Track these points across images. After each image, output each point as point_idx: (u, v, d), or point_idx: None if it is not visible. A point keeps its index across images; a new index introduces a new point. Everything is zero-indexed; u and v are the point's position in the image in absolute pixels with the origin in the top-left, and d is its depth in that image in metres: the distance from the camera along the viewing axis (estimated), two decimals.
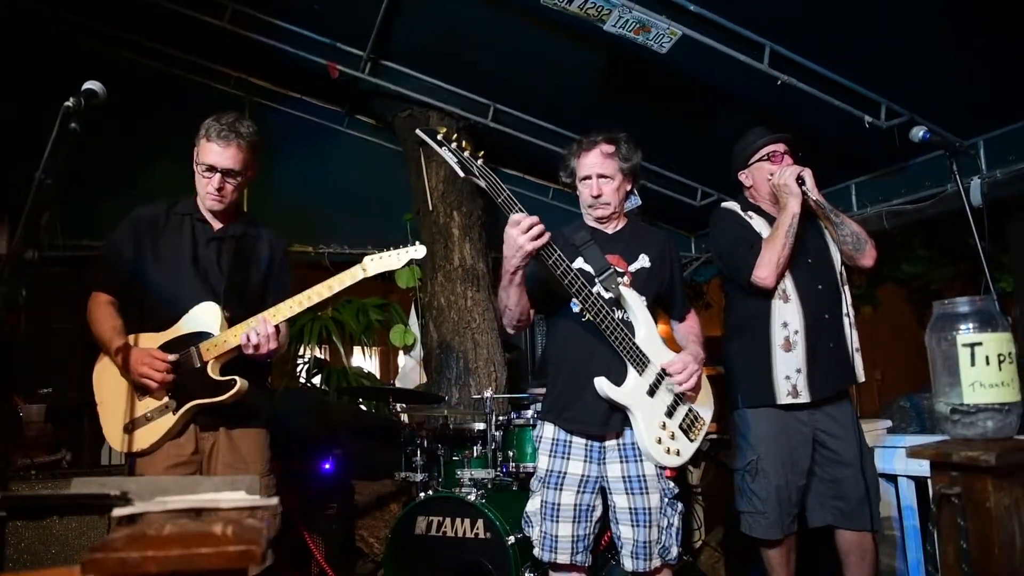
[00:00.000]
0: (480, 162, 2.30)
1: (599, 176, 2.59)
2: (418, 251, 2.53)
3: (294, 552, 3.78)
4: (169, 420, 2.43)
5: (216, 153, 2.47)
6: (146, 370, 2.37)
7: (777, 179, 2.87)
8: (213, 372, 2.45)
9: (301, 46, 4.67)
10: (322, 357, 6.75)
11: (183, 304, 2.49)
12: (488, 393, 3.66)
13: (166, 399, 2.43)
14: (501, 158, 5.91)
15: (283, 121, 5.58)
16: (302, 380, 6.31)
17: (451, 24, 4.33)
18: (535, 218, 2.27)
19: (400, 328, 5.73)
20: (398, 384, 5.84)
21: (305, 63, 4.75)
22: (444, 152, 2.28)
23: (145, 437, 2.42)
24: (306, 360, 6.41)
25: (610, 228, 2.68)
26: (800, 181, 2.84)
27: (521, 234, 2.25)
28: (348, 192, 5.61)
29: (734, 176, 3.15)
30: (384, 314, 6.18)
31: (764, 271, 2.82)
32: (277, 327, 2.45)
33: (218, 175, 2.49)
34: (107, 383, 2.50)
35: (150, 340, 2.48)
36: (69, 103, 1.76)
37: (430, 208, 5.12)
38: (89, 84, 1.92)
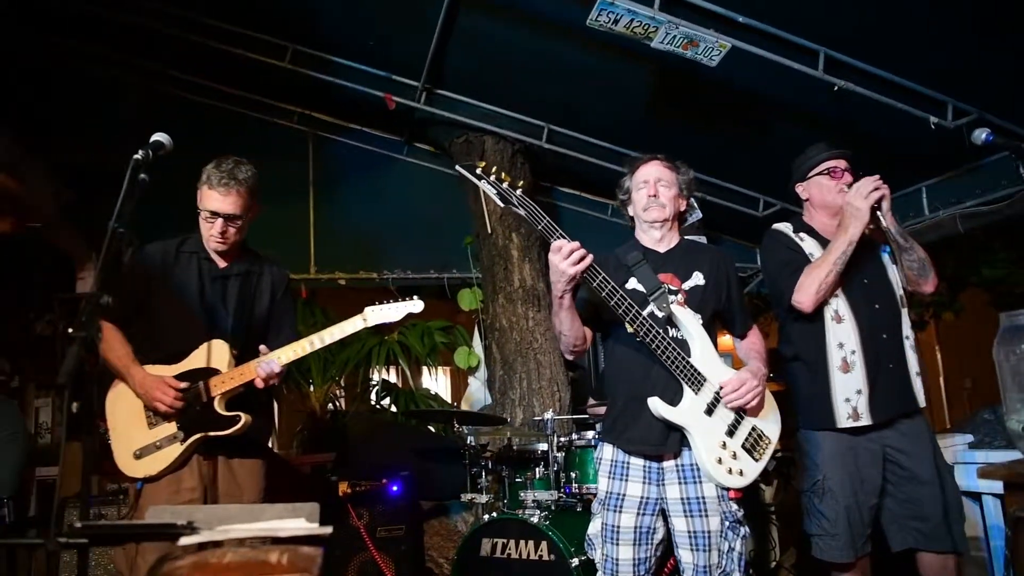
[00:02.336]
0: (519, 192, 2.32)
1: (657, 180, 2.61)
2: (416, 305, 2.70)
3: (366, 572, 3.85)
4: (176, 449, 2.57)
5: (217, 200, 2.60)
6: (158, 395, 2.52)
7: (852, 197, 2.70)
8: (219, 407, 2.59)
9: (359, 80, 4.83)
10: (392, 380, 6.90)
11: (191, 339, 2.63)
12: (549, 414, 3.67)
13: (175, 430, 2.58)
14: (558, 178, 5.96)
15: (345, 152, 5.78)
16: (372, 402, 6.46)
17: (501, 51, 4.41)
18: (575, 244, 2.28)
19: (464, 350, 5.81)
20: (465, 405, 5.92)
21: (363, 96, 4.91)
22: (483, 185, 2.31)
23: (153, 464, 2.56)
24: (375, 383, 6.56)
25: (663, 247, 2.65)
26: (877, 206, 2.70)
27: (562, 260, 2.27)
28: (409, 218, 5.74)
29: (791, 189, 3.10)
30: (449, 336, 6.28)
31: (802, 295, 2.74)
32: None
33: (220, 220, 2.62)
34: (119, 410, 2.64)
35: (160, 372, 2.61)
36: (138, 155, 1.87)
37: (489, 231, 5.19)
38: (157, 136, 2.04)
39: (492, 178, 2.31)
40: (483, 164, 2.33)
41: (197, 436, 2.58)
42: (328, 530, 1.39)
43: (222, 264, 2.75)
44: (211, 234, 2.65)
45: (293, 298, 3.03)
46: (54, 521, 1.26)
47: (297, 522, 1.48)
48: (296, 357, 2.61)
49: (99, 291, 1.50)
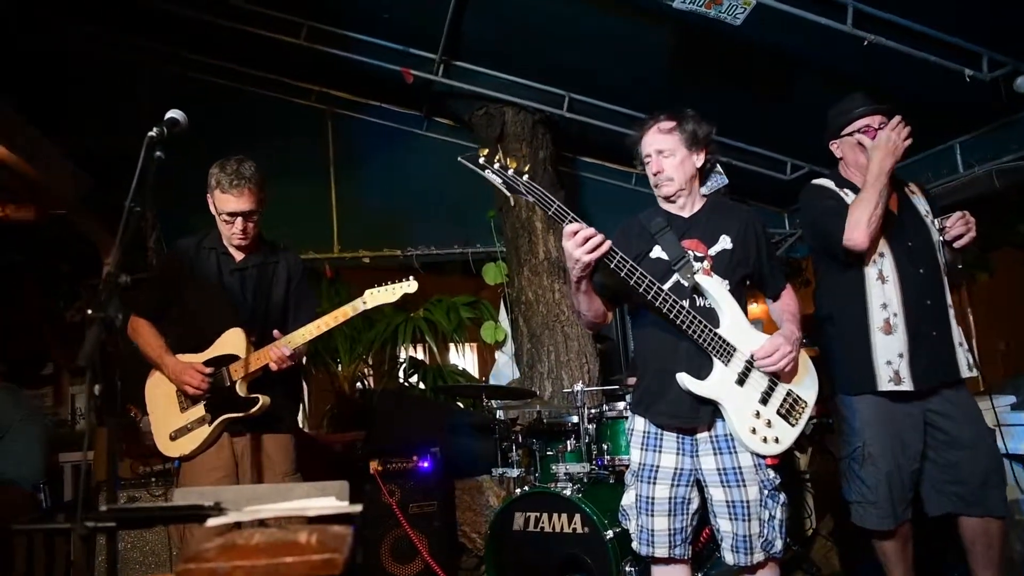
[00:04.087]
0: (526, 178, 2.22)
1: (658, 152, 2.50)
2: (411, 285, 2.85)
3: (399, 548, 3.87)
4: (205, 431, 2.78)
5: (232, 202, 2.74)
6: (187, 379, 2.74)
7: (885, 138, 2.63)
8: (240, 390, 2.79)
9: (375, 55, 4.77)
10: (419, 357, 6.91)
11: (213, 329, 2.82)
12: (578, 386, 3.63)
13: (203, 412, 2.79)
14: (581, 148, 5.87)
15: (365, 129, 5.74)
16: (400, 379, 6.47)
17: (518, 18, 4.31)
18: (591, 230, 2.20)
19: (491, 324, 5.78)
20: (493, 380, 5.90)
21: (381, 71, 4.86)
22: (488, 175, 2.23)
23: (187, 444, 2.79)
24: (402, 361, 6.57)
25: (686, 211, 2.55)
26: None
27: (576, 247, 2.19)
28: (432, 194, 5.70)
29: (826, 145, 2.98)
30: (475, 311, 6.26)
31: (855, 232, 2.63)
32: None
33: (239, 219, 2.78)
34: (157, 396, 2.89)
35: (189, 360, 2.82)
36: (153, 133, 1.86)
37: (512, 203, 5.13)
38: (171, 113, 2.02)
39: (497, 166, 2.22)
40: (486, 152, 2.24)
41: (223, 418, 2.78)
42: (358, 508, 1.36)
43: (239, 257, 2.91)
44: (233, 232, 2.81)
45: (312, 281, 3.19)
46: (81, 506, 1.24)
47: (327, 500, 1.45)
48: (304, 340, 2.77)
49: (117, 271, 1.47)
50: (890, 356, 2.66)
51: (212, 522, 1.26)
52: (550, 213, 2.23)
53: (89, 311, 1.39)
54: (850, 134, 2.82)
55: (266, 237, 3.02)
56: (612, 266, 2.27)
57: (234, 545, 1.14)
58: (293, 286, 2.99)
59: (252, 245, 2.91)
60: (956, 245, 2.74)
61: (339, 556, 1.12)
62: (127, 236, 1.60)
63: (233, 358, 2.79)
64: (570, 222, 2.22)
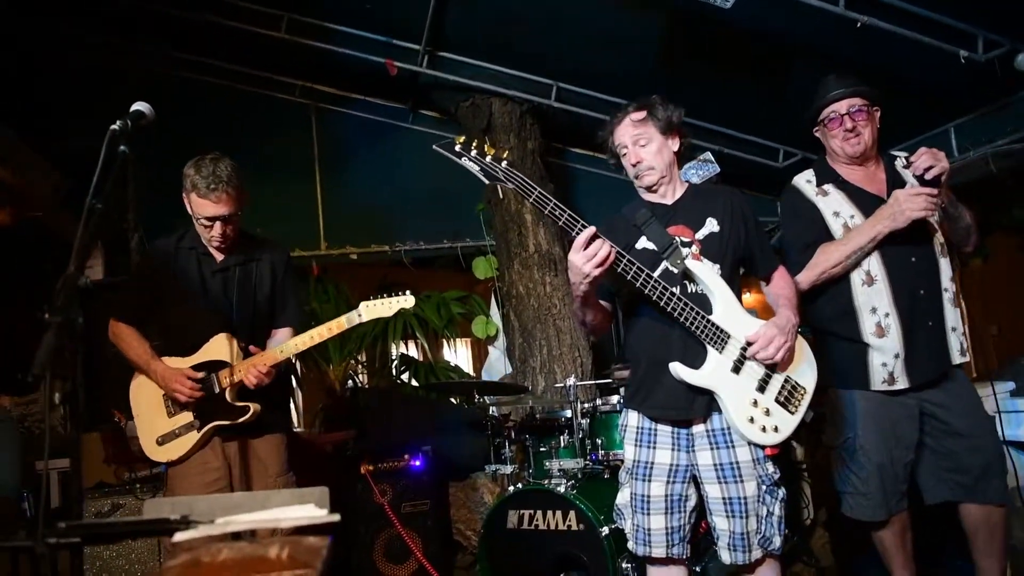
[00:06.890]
0: (504, 164, 2.16)
1: (634, 142, 2.44)
2: (408, 300, 2.78)
3: (393, 549, 3.80)
4: (194, 437, 2.72)
5: (211, 207, 2.63)
6: (177, 386, 2.66)
7: (904, 200, 2.50)
8: (230, 398, 2.72)
9: (358, 47, 4.69)
10: (411, 354, 6.82)
11: (200, 333, 2.74)
12: (570, 381, 3.56)
13: (191, 419, 2.73)
14: (570, 138, 5.79)
15: (350, 124, 5.64)
16: (393, 376, 6.39)
17: (503, 7, 4.23)
18: (599, 240, 2.12)
19: (482, 319, 5.70)
20: (485, 375, 5.83)
21: (364, 63, 4.76)
22: (464, 163, 2.16)
23: (174, 449, 2.73)
24: (394, 358, 6.49)
25: (668, 198, 2.49)
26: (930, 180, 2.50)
27: (587, 261, 2.11)
28: (420, 188, 5.60)
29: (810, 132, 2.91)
30: (465, 306, 6.17)
31: (804, 276, 2.67)
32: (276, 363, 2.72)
33: (218, 223, 2.67)
34: (141, 400, 2.81)
35: (177, 364, 2.74)
36: (116, 126, 1.76)
37: (501, 196, 5.05)
38: (137, 105, 1.92)
39: (474, 153, 2.15)
40: (462, 139, 2.17)
41: (212, 425, 2.72)
42: (335, 517, 1.28)
43: (220, 258, 2.82)
44: (212, 236, 2.71)
45: (300, 273, 3.06)
46: (42, 521, 1.16)
47: (304, 509, 1.37)
48: (294, 352, 2.72)
49: (77, 272, 1.39)
50: (885, 358, 2.61)
51: (179, 536, 1.18)
52: (531, 200, 2.16)
53: (47, 315, 1.31)
54: (821, 122, 2.76)
55: (247, 231, 2.89)
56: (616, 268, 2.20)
57: (198, 563, 1.07)
58: (279, 283, 2.90)
59: (232, 245, 2.81)
60: (928, 177, 2.51)
61: (312, 571, 1.04)
62: (88, 235, 1.51)
63: (222, 364, 2.72)
64: (552, 209, 2.14)
